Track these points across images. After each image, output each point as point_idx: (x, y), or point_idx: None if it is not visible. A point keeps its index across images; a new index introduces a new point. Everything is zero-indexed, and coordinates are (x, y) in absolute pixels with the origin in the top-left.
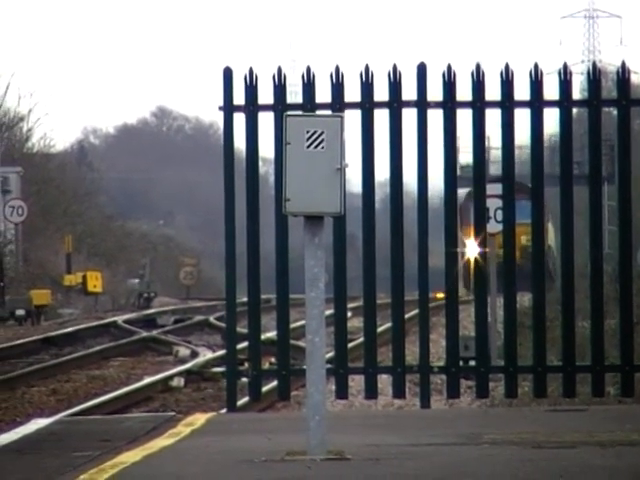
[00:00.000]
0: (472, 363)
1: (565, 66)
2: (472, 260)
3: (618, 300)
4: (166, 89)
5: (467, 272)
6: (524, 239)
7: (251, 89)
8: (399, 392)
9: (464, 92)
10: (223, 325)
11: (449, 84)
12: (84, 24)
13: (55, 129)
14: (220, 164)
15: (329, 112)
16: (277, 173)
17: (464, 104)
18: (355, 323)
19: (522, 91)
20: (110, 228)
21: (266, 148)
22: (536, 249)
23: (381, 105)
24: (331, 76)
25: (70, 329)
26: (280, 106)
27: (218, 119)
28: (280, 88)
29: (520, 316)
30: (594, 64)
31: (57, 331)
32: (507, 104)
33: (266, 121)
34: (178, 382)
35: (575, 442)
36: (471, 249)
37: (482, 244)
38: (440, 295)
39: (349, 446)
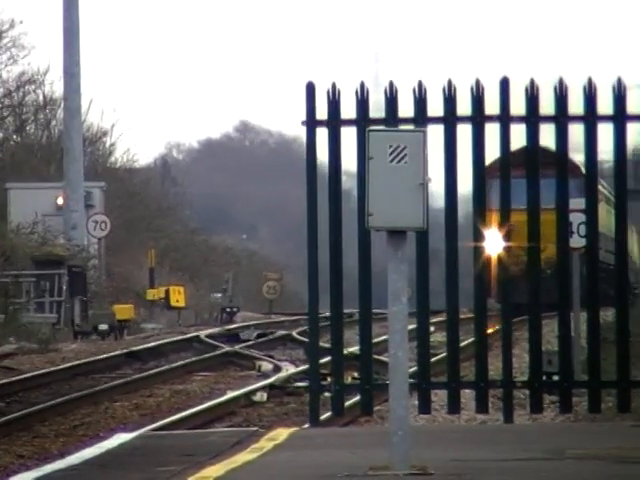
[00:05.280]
0: (555, 378)
1: None
2: (494, 258)
3: None
4: (249, 104)
5: (488, 275)
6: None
7: (334, 104)
8: (482, 407)
9: (547, 106)
10: (306, 339)
11: (532, 98)
12: (167, 39)
13: (138, 144)
14: (303, 178)
15: (412, 127)
16: (360, 187)
17: (547, 118)
18: (438, 338)
19: (605, 105)
20: (194, 242)
21: (349, 162)
22: (619, 263)
23: (464, 119)
24: (414, 90)
25: (153, 344)
26: (363, 121)
27: (301, 133)
28: (363, 103)
29: (603, 331)
30: None
31: (140, 346)
32: (590, 118)
33: (349, 135)
34: (261, 397)
35: None
36: (492, 243)
37: (508, 235)
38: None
39: (432, 461)
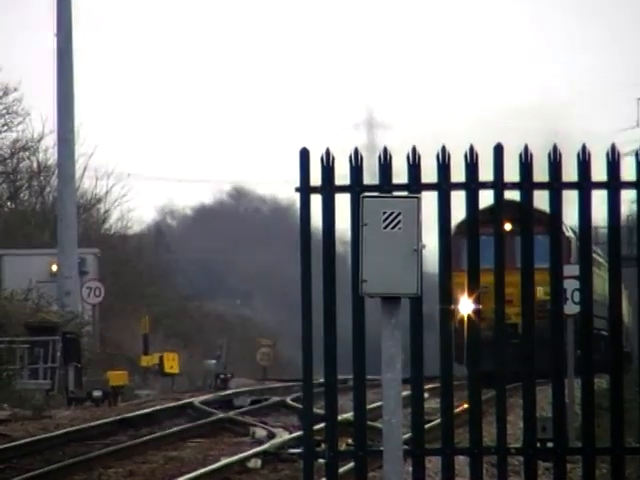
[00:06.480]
0: (550, 444)
1: None
2: (465, 319)
3: None
4: (243, 170)
5: (459, 338)
6: (541, 291)
7: (328, 170)
8: (476, 474)
9: (541, 173)
10: (300, 406)
11: (526, 165)
12: (160, 105)
13: (132, 210)
14: (297, 244)
15: (406, 193)
16: (354, 254)
17: (541, 185)
18: (432, 404)
19: (599, 172)
20: (187, 309)
21: (343, 229)
22: (613, 330)
23: (458, 186)
24: (408, 157)
25: (147, 410)
26: (357, 187)
27: (295, 200)
28: (357, 169)
29: (597, 397)
30: None
31: (134, 412)
32: (584, 185)
33: (343, 202)
34: (255, 463)
35: None
36: (464, 304)
37: (478, 298)
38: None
39: None
